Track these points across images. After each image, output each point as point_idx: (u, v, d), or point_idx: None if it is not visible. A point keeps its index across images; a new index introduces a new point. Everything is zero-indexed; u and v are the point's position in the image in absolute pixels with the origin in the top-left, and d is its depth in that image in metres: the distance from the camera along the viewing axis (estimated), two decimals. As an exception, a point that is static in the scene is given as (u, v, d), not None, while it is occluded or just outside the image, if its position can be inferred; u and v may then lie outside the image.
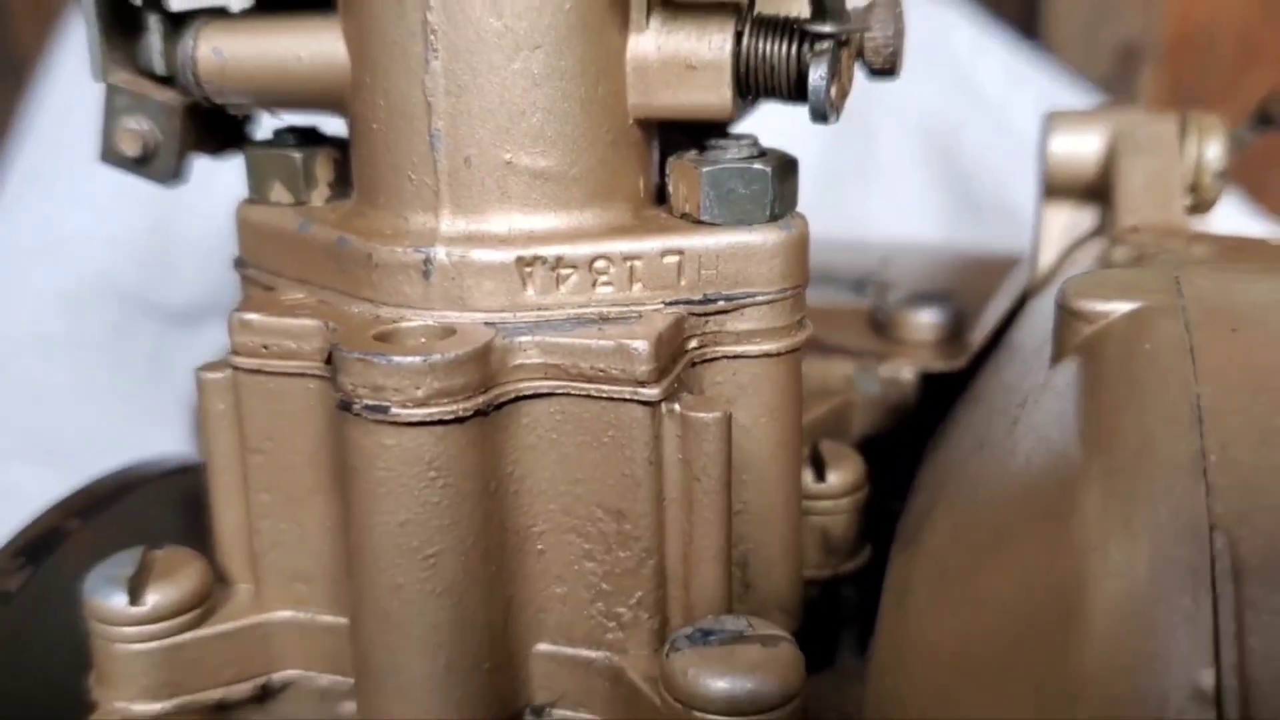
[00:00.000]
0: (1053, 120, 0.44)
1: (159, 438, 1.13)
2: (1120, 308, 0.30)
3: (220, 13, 0.37)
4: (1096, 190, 0.43)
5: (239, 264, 0.38)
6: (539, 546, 0.33)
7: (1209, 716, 0.22)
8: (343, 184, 0.37)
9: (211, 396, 0.35)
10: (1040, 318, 0.37)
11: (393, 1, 0.31)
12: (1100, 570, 0.25)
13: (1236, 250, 0.38)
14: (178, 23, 0.36)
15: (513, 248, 0.32)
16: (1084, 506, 0.26)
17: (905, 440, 0.47)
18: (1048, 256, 0.44)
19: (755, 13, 0.33)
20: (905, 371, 0.48)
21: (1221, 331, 0.29)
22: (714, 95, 0.33)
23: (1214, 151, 0.42)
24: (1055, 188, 0.43)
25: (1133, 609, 0.24)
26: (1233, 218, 1.01)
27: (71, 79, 1.17)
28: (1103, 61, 1.18)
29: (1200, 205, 0.43)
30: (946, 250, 0.66)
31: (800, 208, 0.35)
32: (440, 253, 0.32)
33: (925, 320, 0.51)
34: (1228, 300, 0.31)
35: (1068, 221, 0.44)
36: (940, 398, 0.46)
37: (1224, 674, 0.22)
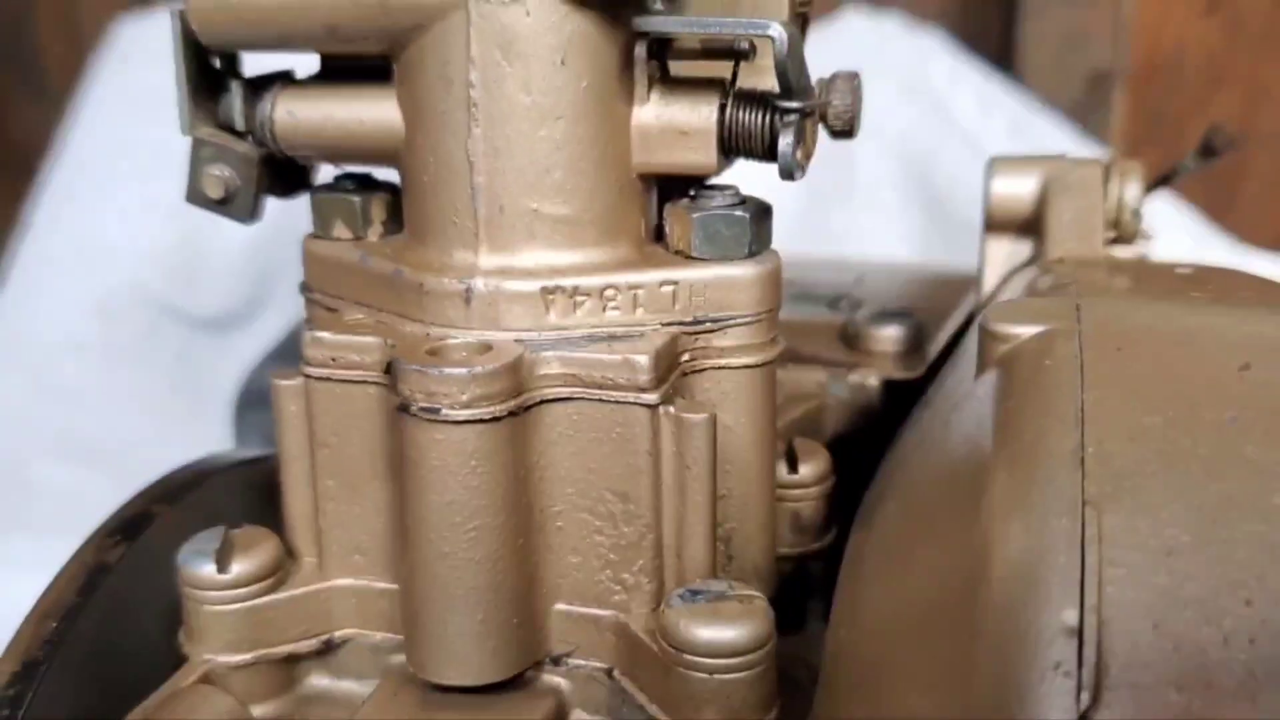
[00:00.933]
0: (995, 165, 0.51)
1: (182, 435, 1.21)
2: (1029, 331, 0.37)
3: (287, 78, 0.44)
4: (1031, 225, 0.50)
5: (304, 288, 0.45)
6: (558, 523, 0.40)
7: (1073, 645, 0.29)
8: (393, 222, 0.44)
9: (285, 399, 0.42)
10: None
11: (441, 81, 0.39)
12: (1000, 537, 0.32)
13: (1141, 277, 0.45)
14: (255, 86, 0.43)
15: (538, 279, 0.39)
16: (991, 488, 0.33)
17: (871, 439, 0.54)
18: (990, 281, 0.51)
19: (736, 88, 0.40)
20: (871, 379, 0.56)
21: (1108, 351, 0.36)
22: (702, 156, 0.40)
23: (1133, 192, 0.50)
24: (996, 223, 0.51)
25: (1022, 566, 0.31)
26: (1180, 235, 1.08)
27: (103, 105, 1.24)
28: (1075, 88, 1.25)
29: (1122, 237, 0.50)
30: (915, 269, 0.74)
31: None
32: (479, 283, 0.39)
33: (889, 334, 0.58)
34: (1117, 324, 0.38)
35: (1008, 251, 0.51)
36: (901, 402, 0.54)
37: (1085, 613, 0.29)
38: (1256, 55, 1.37)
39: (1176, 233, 1.11)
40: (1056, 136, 1.16)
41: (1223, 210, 1.33)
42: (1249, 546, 0.30)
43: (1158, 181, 0.78)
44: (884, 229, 1.03)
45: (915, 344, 0.58)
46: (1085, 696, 0.28)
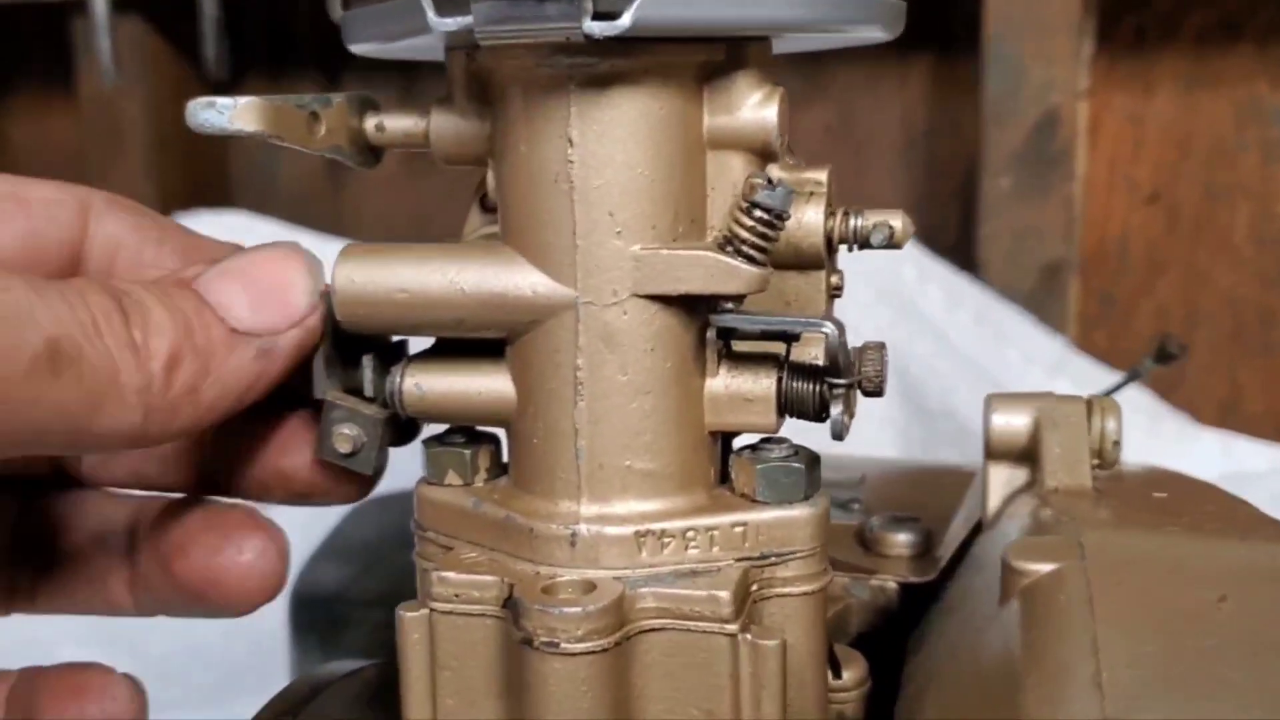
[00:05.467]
0: (992, 401, 0.60)
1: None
2: (1044, 568, 0.45)
3: (405, 351, 0.52)
4: (1027, 454, 0.59)
5: (418, 526, 0.52)
6: (652, 735, 0.47)
7: None
8: (496, 469, 0.51)
9: (409, 628, 0.48)
10: (992, 557, 0.52)
11: (552, 364, 0.47)
12: (1037, 749, 0.40)
13: (1124, 507, 0.54)
14: (382, 360, 0.51)
15: (631, 524, 0.47)
16: (1025, 706, 0.41)
17: (889, 635, 0.61)
18: (994, 502, 0.59)
19: (790, 359, 0.49)
20: (889, 583, 0.63)
21: (1111, 584, 0.44)
22: (764, 419, 0.48)
23: (1112, 425, 0.58)
24: (995, 453, 0.59)
25: (1057, 775, 0.38)
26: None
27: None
28: (1030, 278, 1.36)
29: (1104, 465, 0.58)
30: (909, 468, 0.82)
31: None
32: (582, 529, 0.47)
33: (901, 540, 0.66)
34: (1115, 557, 0.46)
35: (1007, 476, 0.59)
36: (916, 603, 0.61)
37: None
38: (1193, 240, 1.50)
39: (1133, 413, 1.20)
40: (1016, 324, 1.26)
41: (1172, 385, 1.44)
42: (1235, 754, 0.38)
43: (1121, 383, 0.88)
44: (866, 414, 1.12)
45: (925, 548, 0.65)
46: None
